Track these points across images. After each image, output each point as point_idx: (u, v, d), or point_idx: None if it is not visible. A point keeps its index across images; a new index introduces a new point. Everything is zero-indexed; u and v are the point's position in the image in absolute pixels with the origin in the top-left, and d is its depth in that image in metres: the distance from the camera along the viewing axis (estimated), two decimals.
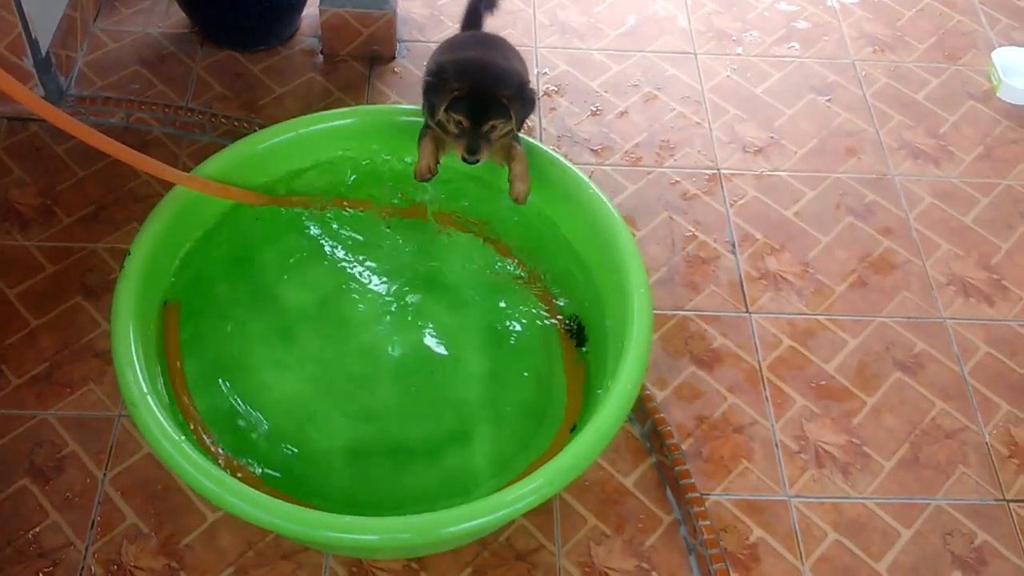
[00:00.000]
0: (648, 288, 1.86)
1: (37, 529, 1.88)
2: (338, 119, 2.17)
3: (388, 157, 2.17)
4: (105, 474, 1.96)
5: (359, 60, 2.81)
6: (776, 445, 2.06)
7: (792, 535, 1.93)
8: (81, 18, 2.72)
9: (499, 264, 2.16)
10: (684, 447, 2.04)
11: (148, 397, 1.66)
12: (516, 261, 2.16)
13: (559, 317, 2.08)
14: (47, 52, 2.49)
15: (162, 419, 1.63)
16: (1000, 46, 2.98)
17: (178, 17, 2.85)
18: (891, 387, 2.17)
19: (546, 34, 2.96)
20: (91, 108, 2.61)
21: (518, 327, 2.09)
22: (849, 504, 1.98)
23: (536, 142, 2.14)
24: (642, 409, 2.09)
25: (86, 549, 1.86)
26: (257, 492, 1.56)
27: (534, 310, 2.10)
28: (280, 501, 1.57)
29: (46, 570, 1.83)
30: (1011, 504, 2.00)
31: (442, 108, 1.85)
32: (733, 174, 2.61)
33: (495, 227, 2.19)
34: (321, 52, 2.81)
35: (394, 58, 2.82)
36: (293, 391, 1.95)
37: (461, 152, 1.88)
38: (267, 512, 1.54)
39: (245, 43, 2.80)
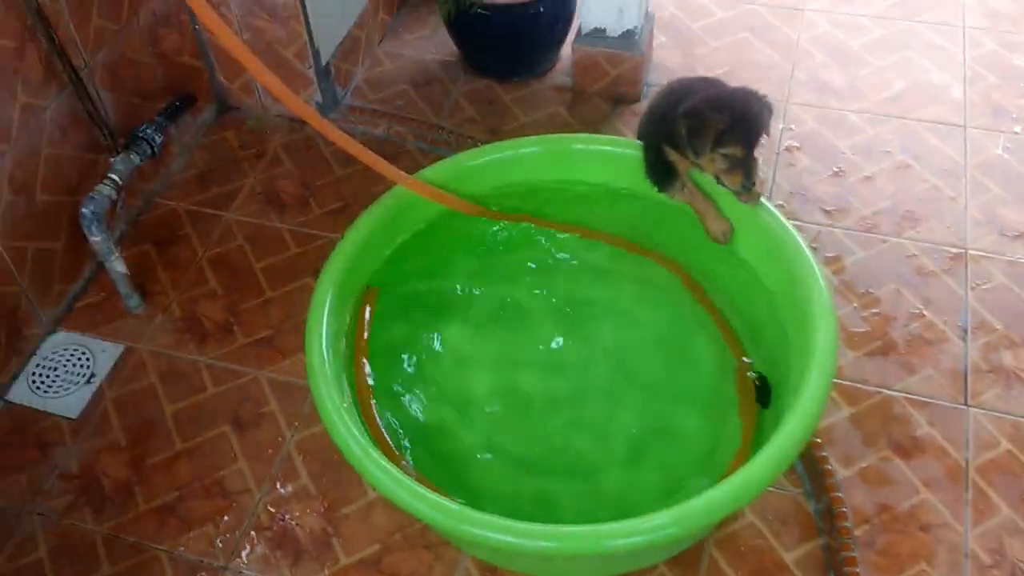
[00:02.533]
0: (835, 347, 1.73)
1: (225, 472, 2.08)
2: (558, 144, 2.25)
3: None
4: (292, 435, 2.13)
5: (605, 99, 2.88)
6: (966, 554, 1.82)
7: None
8: (366, 38, 3.03)
9: (693, 309, 2.11)
10: (857, 533, 1.86)
11: (326, 366, 1.80)
12: (709, 306, 2.09)
13: (749, 372, 1.99)
14: (327, 63, 2.80)
15: (332, 387, 1.76)
16: None
17: (450, 47, 3.08)
18: None
19: (801, 91, 2.86)
20: (360, 118, 2.89)
21: (699, 368, 2.02)
22: None
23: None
24: (820, 484, 1.94)
25: (259, 498, 2.03)
26: (399, 471, 1.63)
27: (720, 356, 2.02)
28: (418, 484, 1.63)
29: (223, 508, 2.02)
30: None
31: (708, 146, 1.83)
32: (982, 256, 2.36)
33: (695, 267, 2.15)
34: (571, 89, 2.92)
35: (638, 100, 2.86)
36: (465, 390, 2.01)
37: (738, 184, 1.87)
38: (402, 490, 1.61)
39: (505, 74, 2.98)
